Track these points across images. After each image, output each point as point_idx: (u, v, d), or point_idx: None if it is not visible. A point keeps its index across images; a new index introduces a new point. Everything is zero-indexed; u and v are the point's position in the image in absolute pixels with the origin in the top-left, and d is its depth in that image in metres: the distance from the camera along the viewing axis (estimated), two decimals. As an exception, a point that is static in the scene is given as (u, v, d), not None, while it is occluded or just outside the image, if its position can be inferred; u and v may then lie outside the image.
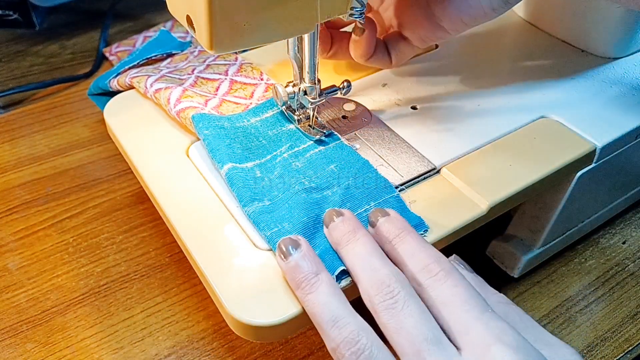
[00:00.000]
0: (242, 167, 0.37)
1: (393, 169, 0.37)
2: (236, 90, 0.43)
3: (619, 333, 0.42)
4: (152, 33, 0.68)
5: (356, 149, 0.39)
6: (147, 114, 0.43)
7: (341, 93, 0.40)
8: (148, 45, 0.55)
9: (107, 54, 0.66)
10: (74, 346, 0.40)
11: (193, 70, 0.45)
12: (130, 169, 0.41)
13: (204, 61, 0.47)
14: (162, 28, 0.68)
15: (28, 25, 0.69)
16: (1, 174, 0.53)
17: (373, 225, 0.33)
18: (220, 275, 0.32)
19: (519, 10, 0.52)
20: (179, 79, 0.44)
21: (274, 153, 0.39)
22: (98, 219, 0.49)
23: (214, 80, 0.44)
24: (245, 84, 0.44)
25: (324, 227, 0.33)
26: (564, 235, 0.45)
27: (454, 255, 0.33)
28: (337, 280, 0.31)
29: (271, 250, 0.33)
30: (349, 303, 0.29)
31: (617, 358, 0.40)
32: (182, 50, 0.53)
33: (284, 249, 0.31)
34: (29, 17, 0.68)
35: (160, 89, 0.42)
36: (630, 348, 0.41)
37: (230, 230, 0.34)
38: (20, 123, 0.58)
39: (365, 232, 0.32)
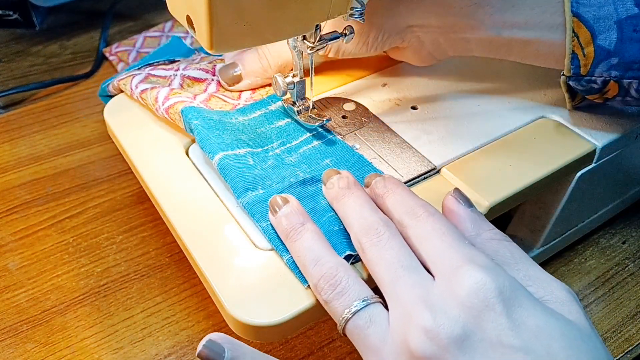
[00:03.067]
0: (234, 154, 0.37)
1: (393, 169, 0.37)
2: (224, 91, 0.43)
3: (619, 333, 0.42)
4: (152, 33, 0.68)
5: (356, 149, 0.39)
6: (147, 114, 0.43)
7: (343, 40, 0.38)
8: (159, 50, 0.56)
9: (107, 54, 0.66)
10: (74, 346, 0.40)
11: (177, 68, 0.45)
12: (130, 169, 0.41)
13: (193, 60, 0.47)
14: (164, 28, 0.68)
15: (28, 25, 0.68)
16: (1, 174, 0.53)
17: (367, 185, 0.34)
18: (220, 275, 0.32)
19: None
20: (164, 77, 0.44)
21: (266, 147, 0.39)
22: (98, 219, 0.49)
23: (201, 81, 0.44)
24: None
25: (322, 185, 0.35)
26: (564, 235, 0.45)
27: (455, 187, 0.34)
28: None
29: (271, 250, 0.33)
30: (332, 249, 0.31)
31: (617, 358, 0.40)
32: (186, 58, 0.53)
33: (274, 205, 0.33)
34: (29, 17, 0.68)
35: (146, 89, 0.42)
36: (630, 348, 0.41)
37: (230, 230, 0.34)
38: (20, 123, 0.58)
39: (360, 188, 0.34)
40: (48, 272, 0.45)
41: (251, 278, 0.32)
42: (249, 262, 0.33)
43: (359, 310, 0.28)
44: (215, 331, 0.41)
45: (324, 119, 0.39)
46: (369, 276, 0.31)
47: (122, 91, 0.45)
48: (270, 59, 0.42)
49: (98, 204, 0.50)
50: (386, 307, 0.29)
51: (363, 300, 0.29)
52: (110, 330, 0.41)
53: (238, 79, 0.42)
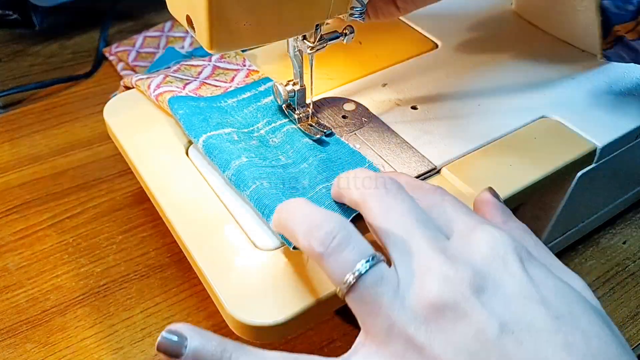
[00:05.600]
0: (218, 134, 0.38)
1: (393, 169, 0.37)
2: (218, 75, 0.45)
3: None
4: (152, 33, 0.68)
5: (356, 149, 0.39)
6: (147, 114, 0.43)
7: (344, 40, 0.38)
8: (156, 62, 0.59)
9: (107, 54, 0.66)
10: (73, 346, 0.40)
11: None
12: (130, 169, 0.41)
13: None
14: (164, 28, 0.68)
15: (28, 25, 0.68)
16: (1, 174, 0.53)
17: None
18: (220, 275, 0.32)
19: (519, 9, 0.52)
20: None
21: (251, 128, 0.40)
22: (98, 219, 0.49)
23: (197, 65, 0.45)
24: (227, 69, 0.45)
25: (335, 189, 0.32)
26: (564, 235, 0.45)
27: (489, 187, 0.33)
28: None
29: (271, 250, 0.33)
30: None
31: (617, 358, 0.40)
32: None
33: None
34: (29, 17, 0.68)
35: (142, 78, 0.43)
36: (630, 348, 0.41)
37: (230, 230, 0.34)
38: (20, 123, 0.58)
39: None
40: (48, 272, 0.45)
41: (251, 278, 0.32)
42: (249, 262, 0.33)
43: (366, 271, 0.25)
44: (215, 331, 0.41)
45: (325, 131, 0.39)
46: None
47: (127, 88, 0.45)
48: None
49: (98, 204, 0.50)
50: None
51: (370, 259, 0.25)
52: (110, 330, 0.41)
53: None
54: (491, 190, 0.32)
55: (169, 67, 0.46)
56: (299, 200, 0.28)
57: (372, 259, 0.25)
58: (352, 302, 0.26)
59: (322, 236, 0.25)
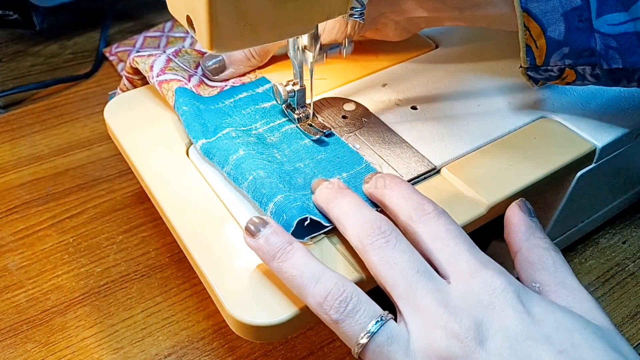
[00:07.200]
0: (217, 138, 0.38)
1: (393, 169, 0.37)
2: None
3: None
4: (152, 33, 0.68)
5: (356, 149, 0.39)
6: (147, 114, 0.43)
7: (343, 53, 0.39)
8: None
9: (107, 54, 0.66)
10: (74, 346, 0.40)
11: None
12: (130, 169, 0.41)
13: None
14: (164, 28, 0.68)
15: (28, 25, 0.68)
16: (1, 174, 0.53)
17: (367, 182, 0.34)
18: (220, 275, 0.32)
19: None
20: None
21: (250, 127, 0.40)
22: (98, 219, 0.49)
23: (197, 51, 0.45)
24: None
25: (312, 193, 0.34)
26: (564, 235, 0.45)
27: (521, 198, 0.34)
28: (311, 233, 0.33)
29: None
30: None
31: (617, 358, 0.40)
32: None
33: (252, 227, 0.31)
34: (29, 17, 0.68)
35: (142, 55, 0.43)
36: None
37: (230, 230, 0.34)
38: (20, 123, 0.58)
39: (352, 191, 0.33)
40: (48, 272, 0.45)
41: (251, 278, 0.32)
42: (249, 262, 0.33)
43: (377, 330, 0.27)
44: (215, 331, 0.41)
45: (325, 131, 0.39)
46: (369, 277, 0.31)
47: (129, 75, 0.46)
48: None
49: (98, 204, 0.50)
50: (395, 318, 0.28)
51: (379, 320, 0.27)
52: (110, 330, 0.41)
53: (222, 68, 0.43)
54: (521, 202, 0.33)
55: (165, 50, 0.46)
56: (300, 258, 0.29)
57: (382, 318, 0.27)
58: (368, 357, 0.28)
59: (337, 305, 0.28)
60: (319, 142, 0.39)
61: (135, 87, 0.46)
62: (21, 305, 0.43)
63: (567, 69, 0.36)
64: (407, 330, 0.27)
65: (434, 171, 0.38)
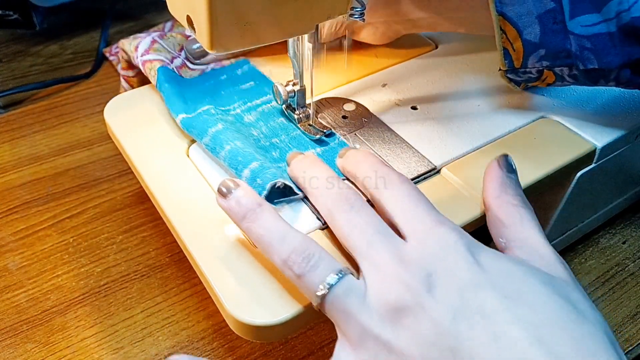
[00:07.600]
0: (197, 113, 0.40)
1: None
2: None
3: (619, 333, 0.42)
4: (152, 33, 0.68)
5: (356, 149, 0.39)
6: (147, 114, 0.43)
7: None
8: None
9: (107, 54, 0.66)
10: (74, 346, 0.40)
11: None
12: (130, 169, 0.41)
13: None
14: (164, 28, 0.68)
15: (28, 25, 0.68)
16: (1, 174, 0.53)
17: (341, 156, 0.36)
18: (220, 275, 0.32)
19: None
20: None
21: (228, 107, 0.42)
22: (98, 219, 0.49)
23: (182, 34, 0.47)
24: None
25: (287, 165, 0.36)
26: (564, 235, 0.45)
27: (504, 153, 0.35)
28: (282, 199, 0.34)
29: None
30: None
31: (617, 358, 0.40)
32: None
33: (224, 189, 0.32)
34: (29, 17, 0.68)
35: (128, 39, 0.46)
36: (630, 348, 0.41)
37: (230, 230, 0.34)
38: (20, 123, 0.58)
39: (325, 163, 0.35)
40: (48, 272, 0.45)
41: (251, 278, 0.32)
42: (249, 262, 0.33)
43: (336, 283, 0.29)
44: (215, 331, 0.41)
45: (325, 131, 0.39)
46: (355, 267, 0.31)
47: (126, 70, 0.47)
48: None
49: (98, 204, 0.50)
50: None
51: (339, 273, 0.29)
52: (110, 330, 0.41)
53: (205, 52, 0.44)
54: (500, 158, 0.34)
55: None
56: (268, 220, 0.31)
57: (341, 272, 0.29)
58: (327, 312, 0.29)
59: (300, 261, 0.29)
60: (319, 141, 0.39)
61: (132, 87, 0.46)
62: (21, 305, 0.43)
63: (545, 70, 0.37)
64: (365, 284, 0.29)
65: (434, 171, 0.38)
